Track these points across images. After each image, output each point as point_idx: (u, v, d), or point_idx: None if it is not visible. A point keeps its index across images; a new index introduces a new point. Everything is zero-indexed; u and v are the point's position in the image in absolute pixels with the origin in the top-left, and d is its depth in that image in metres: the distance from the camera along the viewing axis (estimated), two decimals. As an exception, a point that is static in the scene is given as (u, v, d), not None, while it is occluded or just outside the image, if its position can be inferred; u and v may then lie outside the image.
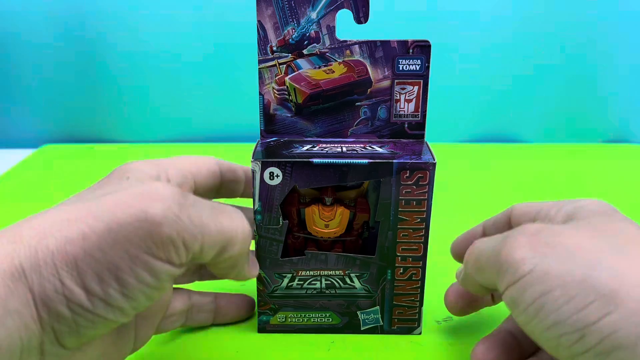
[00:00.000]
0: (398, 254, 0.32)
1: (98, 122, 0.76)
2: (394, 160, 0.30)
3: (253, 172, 0.30)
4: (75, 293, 0.21)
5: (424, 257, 0.32)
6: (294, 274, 0.33)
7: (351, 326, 0.34)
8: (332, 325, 0.34)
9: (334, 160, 0.30)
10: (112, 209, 0.22)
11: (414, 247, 0.32)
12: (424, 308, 0.34)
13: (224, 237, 0.25)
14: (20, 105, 0.75)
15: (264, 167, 0.30)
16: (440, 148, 0.71)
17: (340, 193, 0.33)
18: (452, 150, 0.73)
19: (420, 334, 0.35)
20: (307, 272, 0.33)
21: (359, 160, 0.30)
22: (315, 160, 0.30)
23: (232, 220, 0.25)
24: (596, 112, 0.76)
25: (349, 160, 0.30)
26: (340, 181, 0.30)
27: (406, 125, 0.32)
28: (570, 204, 0.28)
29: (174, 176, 0.30)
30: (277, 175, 0.30)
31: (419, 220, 0.31)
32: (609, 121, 0.77)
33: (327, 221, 0.32)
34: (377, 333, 0.34)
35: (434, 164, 0.30)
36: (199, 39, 0.72)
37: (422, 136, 0.33)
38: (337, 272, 0.33)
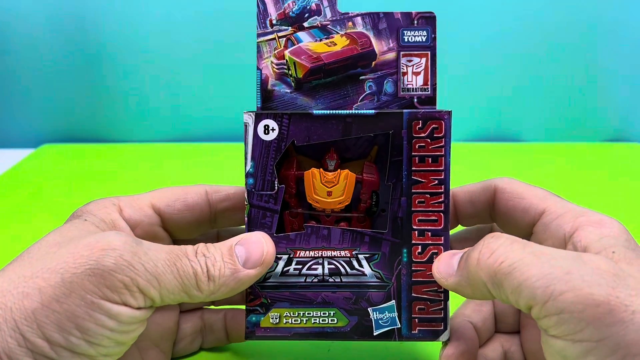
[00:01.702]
0: (414, 227, 0.28)
1: (98, 122, 0.76)
2: (404, 110, 0.28)
3: (245, 125, 0.28)
4: (38, 345, 0.22)
5: (445, 232, 0.28)
6: (291, 255, 0.29)
7: (360, 330, 0.29)
8: (338, 328, 0.29)
9: (337, 111, 0.28)
10: (65, 260, 0.23)
11: (433, 218, 0.28)
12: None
13: (184, 283, 0.25)
14: (20, 105, 0.75)
15: (257, 119, 0.28)
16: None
17: (345, 165, 0.30)
18: (453, 149, 0.73)
19: (447, 339, 0.29)
20: (307, 252, 0.29)
21: (365, 111, 0.28)
22: (315, 111, 0.28)
23: (193, 266, 0.25)
24: (596, 111, 0.76)
25: (353, 111, 0.28)
26: (344, 135, 0.28)
27: (415, 100, 0.30)
28: (593, 230, 0.25)
29: (131, 215, 0.29)
30: (273, 129, 0.28)
31: (436, 182, 0.28)
32: (609, 120, 0.77)
33: (329, 187, 0.29)
34: (394, 339, 0.29)
35: (450, 113, 0.28)
36: (199, 39, 0.72)
37: None
38: (343, 253, 0.29)
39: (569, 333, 0.21)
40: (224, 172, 0.58)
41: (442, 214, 0.28)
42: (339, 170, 0.29)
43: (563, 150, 0.73)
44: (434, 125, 0.28)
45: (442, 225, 0.28)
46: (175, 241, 0.32)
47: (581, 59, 0.73)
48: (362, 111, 0.28)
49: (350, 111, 0.28)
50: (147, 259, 0.24)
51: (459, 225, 0.33)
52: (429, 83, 0.29)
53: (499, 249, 0.23)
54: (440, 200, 0.28)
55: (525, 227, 0.29)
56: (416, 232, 0.28)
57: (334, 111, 0.28)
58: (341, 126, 0.28)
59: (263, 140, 0.28)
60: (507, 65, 0.73)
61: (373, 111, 0.28)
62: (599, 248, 0.24)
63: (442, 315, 0.29)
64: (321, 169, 0.29)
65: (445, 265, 0.27)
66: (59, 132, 0.77)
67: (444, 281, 0.27)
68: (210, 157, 0.70)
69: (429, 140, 0.28)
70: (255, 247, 0.27)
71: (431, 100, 0.30)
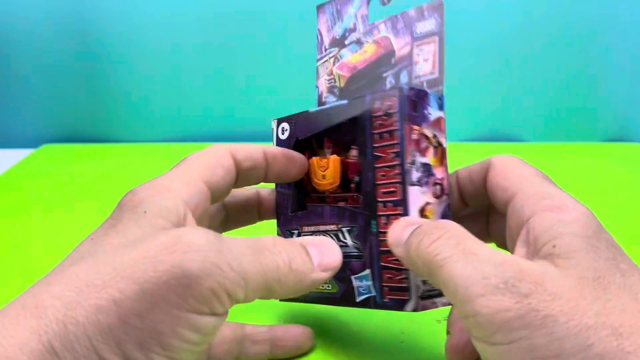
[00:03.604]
0: (379, 200, 0.30)
1: (98, 121, 0.76)
2: (367, 95, 0.30)
3: (273, 130, 0.34)
4: None
5: (404, 202, 0.29)
6: (300, 230, 0.33)
7: (347, 296, 0.31)
8: (331, 294, 0.32)
9: (323, 107, 0.32)
10: (141, 267, 0.20)
11: (392, 190, 0.29)
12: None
13: (267, 278, 0.23)
14: (20, 105, 0.75)
15: (278, 124, 0.34)
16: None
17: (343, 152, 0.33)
18: (452, 149, 0.73)
19: (414, 310, 0.29)
20: (309, 227, 0.32)
21: (340, 102, 0.31)
22: (310, 109, 0.32)
23: (276, 259, 0.23)
24: (596, 111, 0.76)
25: (332, 104, 0.31)
26: (327, 124, 0.32)
27: (425, 85, 0.31)
28: (549, 215, 0.24)
29: (190, 197, 0.26)
30: (286, 130, 0.33)
31: (393, 155, 0.29)
32: (609, 120, 0.77)
33: (323, 171, 0.32)
34: (371, 307, 0.31)
35: (401, 89, 0.28)
36: (199, 39, 0.72)
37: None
38: (331, 227, 0.32)
39: (484, 336, 0.21)
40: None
41: (399, 184, 0.29)
42: (329, 155, 0.33)
43: (563, 150, 0.73)
44: (388, 102, 0.29)
45: (399, 196, 0.29)
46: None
47: (581, 58, 0.73)
48: (337, 102, 0.31)
49: (331, 104, 0.31)
50: (233, 257, 0.22)
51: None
52: (437, 67, 0.30)
53: (437, 242, 0.23)
54: (397, 172, 0.29)
55: (503, 207, 0.28)
56: (381, 204, 0.30)
57: (322, 107, 0.32)
58: (325, 118, 0.32)
59: (281, 139, 0.33)
60: (507, 65, 0.74)
61: (345, 101, 0.31)
62: (547, 238, 0.23)
63: (407, 285, 0.29)
64: (319, 157, 0.33)
65: (397, 235, 0.27)
66: (59, 132, 0.77)
67: (393, 248, 0.27)
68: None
69: (385, 117, 0.29)
70: (328, 251, 0.26)
71: (436, 80, 0.30)
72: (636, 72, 0.75)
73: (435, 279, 0.23)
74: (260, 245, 0.23)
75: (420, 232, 0.25)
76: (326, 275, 0.26)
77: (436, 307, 0.29)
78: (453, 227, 0.24)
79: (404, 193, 0.28)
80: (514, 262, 0.22)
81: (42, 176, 0.65)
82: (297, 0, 0.70)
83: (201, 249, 0.21)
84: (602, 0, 0.71)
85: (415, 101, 0.29)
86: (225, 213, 0.33)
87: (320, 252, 0.26)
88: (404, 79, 0.31)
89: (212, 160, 0.29)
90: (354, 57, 0.34)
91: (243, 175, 0.30)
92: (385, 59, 0.32)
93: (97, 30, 0.71)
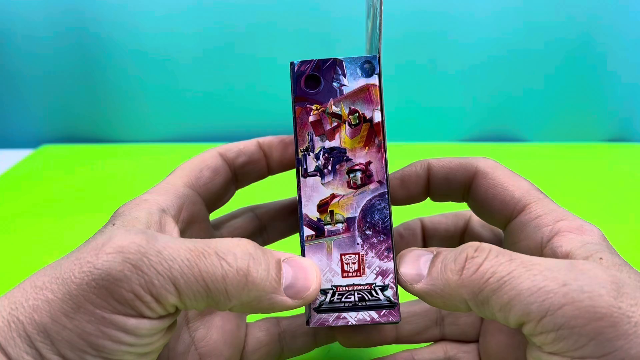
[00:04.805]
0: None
1: (97, 122, 0.76)
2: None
3: None
4: None
5: (298, 197, 0.27)
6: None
7: None
8: None
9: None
10: (71, 268, 0.20)
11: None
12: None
13: (209, 288, 0.21)
14: (19, 105, 0.75)
15: None
16: (440, 148, 0.71)
17: None
18: (453, 149, 0.73)
19: (306, 324, 0.25)
20: None
21: None
22: None
23: (224, 267, 0.21)
24: (598, 111, 0.76)
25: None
26: None
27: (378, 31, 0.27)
28: (574, 236, 0.23)
29: (169, 204, 0.25)
30: None
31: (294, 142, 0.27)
32: (610, 120, 0.77)
33: None
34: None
35: (291, 64, 0.25)
36: (198, 39, 0.72)
37: None
38: None
39: (569, 350, 0.19)
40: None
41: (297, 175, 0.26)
42: None
43: (563, 150, 0.73)
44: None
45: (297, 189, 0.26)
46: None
47: (581, 58, 0.73)
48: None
49: None
50: (160, 260, 0.20)
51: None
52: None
53: (485, 264, 0.21)
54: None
55: (501, 220, 0.27)
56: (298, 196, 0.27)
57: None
58: None
59: None
60: (507, 65, 0.73)
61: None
62: (584, 254, 0.22)
63: None
64: None
65: (412, 268, 0.24)
66: (59, 132, 0.77)
67: (409, 286, 0.24)
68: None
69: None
70: (304, 276, 0.23)
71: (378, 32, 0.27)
72: (636, 72, 0.74)
73: (492, 307, 0.21)
74: (206, 250, 0.21)
75: (456, 259, 0.22)
76: (291, 302, 0.22)
77: (346, 323, 0.24)
78: (492, 247, 0.22)
79: (298, 186, 0.25)
80: (586, 265, 0.20)
81: (41, 177, 0.65)
82: (296, 1, 0.70)
83: (124, 250, 0.20)
84: (603, 1, 0.71)
85: (314, 75, 0.25)
86: (259, 224, 0.32)
87: (294, 275, 0.23)
88: (376, 22, 0.25)
89: (196, 164, 0.28)
90: None
91: (241, 172, 0.29)
92: None
93: (96, 30, 0.71)
